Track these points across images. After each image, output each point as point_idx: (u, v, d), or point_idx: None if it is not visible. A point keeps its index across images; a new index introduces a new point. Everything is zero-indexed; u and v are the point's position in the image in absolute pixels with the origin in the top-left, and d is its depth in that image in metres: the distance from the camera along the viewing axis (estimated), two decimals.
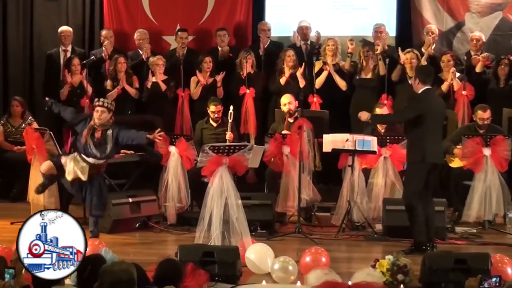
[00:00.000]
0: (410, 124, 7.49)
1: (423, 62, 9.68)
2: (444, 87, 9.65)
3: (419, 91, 7.35)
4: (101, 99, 7.62)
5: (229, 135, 8.65)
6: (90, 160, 7.47)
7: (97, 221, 7.64)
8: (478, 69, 9.85)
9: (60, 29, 10.67)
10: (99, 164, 7.56)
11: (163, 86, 9.88)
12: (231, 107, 8.63)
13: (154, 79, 9.96)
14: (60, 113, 8.04)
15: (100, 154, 7.48)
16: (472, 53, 10.11)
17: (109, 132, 7.49)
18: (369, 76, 9.82)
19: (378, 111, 8.65)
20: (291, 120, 8.86)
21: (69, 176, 7.53)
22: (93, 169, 7.51)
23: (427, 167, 7.36)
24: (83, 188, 7.58)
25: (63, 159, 7.59)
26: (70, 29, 10.70)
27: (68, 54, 10.52)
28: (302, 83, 9.73)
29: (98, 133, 7.46)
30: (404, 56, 9.61)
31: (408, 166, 7.60)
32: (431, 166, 7.37)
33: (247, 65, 9.88)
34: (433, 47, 10.23)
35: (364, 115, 7.69)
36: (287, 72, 9.83)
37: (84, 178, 7.48)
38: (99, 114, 7.43)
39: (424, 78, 7.41)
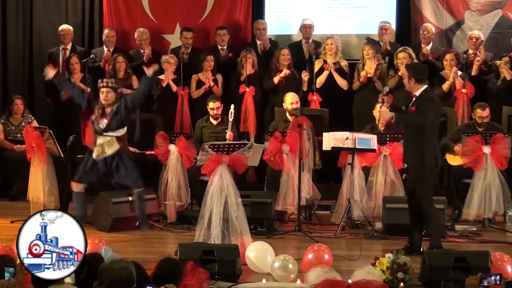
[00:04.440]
0: (421, 127, 7.10)
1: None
2: (445, 86, 9.65)
3: (418, 91, 7.12)
4: (104, 79, 7.65)
5: (229, 134, 8.64)
6: (112, 133, 7.53)
7: (142, 196, 7.68)
8: (473, 72, 9.84)
9: (60, 28, 10.68)
10: (122, 135, 7.60)
11: (174, 87, 9.88)
12: (232, 106, 8.63)
13: (163, 77, 9.95)
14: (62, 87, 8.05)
15: (116, 125, 7.52)
16: (471, 51, 10.11)
17: (117, 105, 7.53)
18: (370, 75, 9.79)
19: (379, 107, 8.63)
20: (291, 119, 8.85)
21: (96, 152, 7.56)
22: (119, 140, 7.55)
23: (438, 171, 7.42)
24: (113, 164, 7.58)
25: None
26: (70, 27, 10.71)
27: (68, 53, 10.53)
28: (305, 87, 9.71)
29: (108, 109, 7.51)
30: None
31: (421, 171, 7.15)
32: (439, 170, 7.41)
33: (248, 65, 9.87)
34: (429, 46, 10.25)
35: (386, 114, 7.38)
36: (283, 72, 9.81)
37: (115, 148, 7.51)
38: (105, 95, 7.48)
39: (420, 77, 7.16)
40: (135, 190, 7.70)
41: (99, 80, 7.79)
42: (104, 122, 7.55)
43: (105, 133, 7.58)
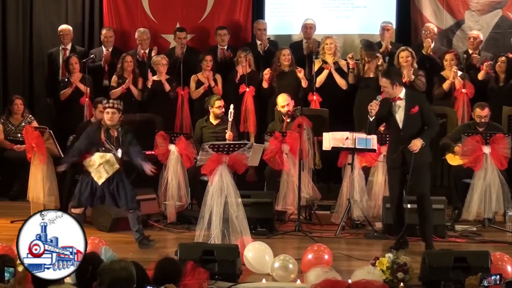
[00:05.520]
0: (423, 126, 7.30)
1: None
2: (445, 85, 9.66)
3: (402, 93, 7.27)
4: (110, 100, 7.56)
5: (228, 134, 8.63)
6: (115, 152, 7.46)
7: (138, 215, 7.56)
8: (480, 77, 9.81)
9: (59, 28, 10.69)
10: (119, 157, 7.52)
11: (167, 87, 9.88)
12: (232, 106, 8.63)
13: (156, 78, 9.96)
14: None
15: (119, 146, 7.46)
16: (470, 51, 10.12)
17: (121, 130, 7.47)
18: (371, 75, 9.77)
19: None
20: (289, 121, 8.84)
21: (100, 179, 7.41)
22: (118, 159, 7.47)
23: None
24: (109, 187, 7.45)
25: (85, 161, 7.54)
26: (70, 27, 10.72)
27: (68, 53, 10.52)
28: (304, 83, 9.72)
29: (113, 132, 7.46)
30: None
31: (425, 168, 7.30)
32: None
33: (245, 64, 9.88)
34: (432, 46, 10.24)
35: (417, 145, 7.17)
36: (265, 74, 9.83)
37: (115, 167, 7.39)
38: (110, 116, 7.41)
39: (400, 80, 7.46)
40: (129, 213, 7.52)
41: (105, 101, 7.76)
42: (110, 142, 7.46)
43: (109, 151, 7.44)
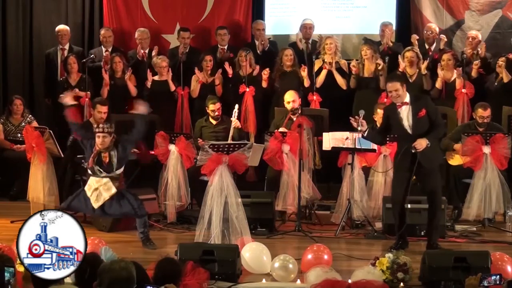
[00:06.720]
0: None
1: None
2: (438, 83, 9.66)
3: (407, 97, 7.21)
4: (100, 125, 7.57)
5: (235, 122, 8.70)
6: (110, 174, 7.48)
7: (146, 220, 7.60)
8: (473, 74, 9.84)
9: (57, 28, 10.68)
10: (119, 174, 7.54)
11: (172, 87, 9.92)
12: (236, 106, 8.71)
13: (157, 78, 9.96)
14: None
15: (115, 166, 7.47)
16: (469, 51, 10.13)
17: (113, 152, 7.49)
18: (370, 75, 9.78)
19: (379, 112, 8.56)
20: (294, 118, 8.84)
21: (96, 203, 7.45)
22: (115, 180, 7.50)
23: None
24: (111, 209, 7.50)
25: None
26: (67, 27, 10.71)
27: (66, 53, 10.52)
28: (307, 83, 9.74)
29: (105, 157, 7.46)
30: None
31: (437, 168, 7.36)
32: None
33: (246, 64, 9.88)
34: (433, 46, 10.25)
35: (422, 145, 7.13)
36: (264, 74, 9.85)
37: (112, 192, 7.43)
38: (101, 140, 7.43)
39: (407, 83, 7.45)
40: (138, 219, 7.56)
41: (95, 126, 7.78)
42: (102, 167, 7.48)
43: (104, 176, 7.47)
